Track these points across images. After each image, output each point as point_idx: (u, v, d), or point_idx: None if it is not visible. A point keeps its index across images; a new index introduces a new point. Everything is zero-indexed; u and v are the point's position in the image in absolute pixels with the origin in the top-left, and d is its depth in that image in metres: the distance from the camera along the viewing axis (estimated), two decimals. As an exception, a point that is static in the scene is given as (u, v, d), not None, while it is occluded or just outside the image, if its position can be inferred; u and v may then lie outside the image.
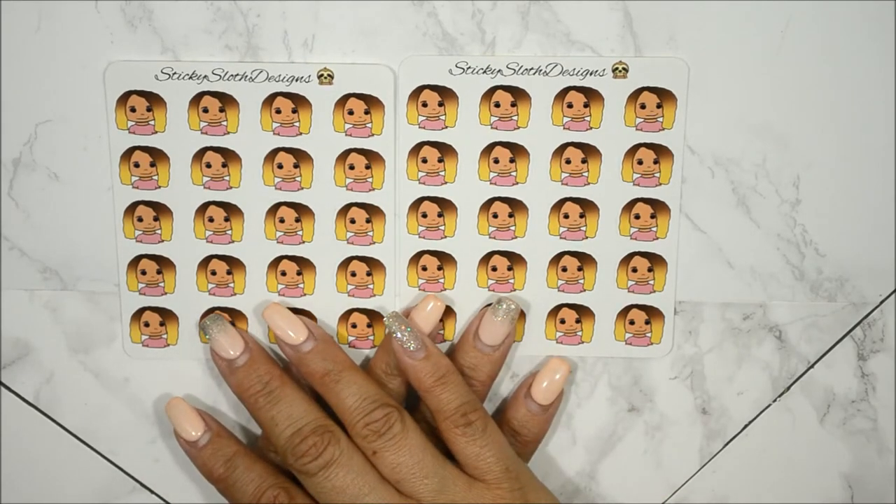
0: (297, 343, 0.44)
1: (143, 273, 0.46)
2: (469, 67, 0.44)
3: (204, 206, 0.46)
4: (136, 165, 0.45)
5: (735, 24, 0.44)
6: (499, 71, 0.44)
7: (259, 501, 0.43)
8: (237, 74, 0.44)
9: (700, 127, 0.45)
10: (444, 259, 0.46)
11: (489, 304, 0.46)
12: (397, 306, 0.47)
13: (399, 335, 0.43)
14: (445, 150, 0.45)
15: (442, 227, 0.46)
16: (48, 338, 0.47)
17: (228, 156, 0.45)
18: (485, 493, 0.43)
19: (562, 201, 0.46)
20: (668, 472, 0.49)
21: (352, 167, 0.45)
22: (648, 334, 0.47)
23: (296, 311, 0.47)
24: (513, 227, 0.46)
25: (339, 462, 0.42)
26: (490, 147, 0.45)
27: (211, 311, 0.47)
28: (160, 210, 0.46)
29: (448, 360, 0.44)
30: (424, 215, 0.46)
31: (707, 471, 0.49)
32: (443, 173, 0.45)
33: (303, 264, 0.46)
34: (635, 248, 0.46)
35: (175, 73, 0.44)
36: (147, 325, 0.47)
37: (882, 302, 0.47)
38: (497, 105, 0.44)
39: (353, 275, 0.46)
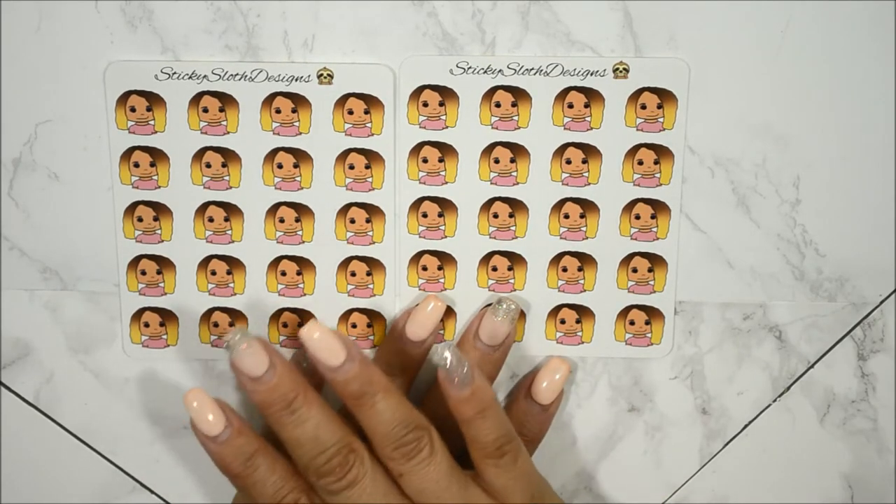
0: (335, 366, 0.42)
1: (143, 273, 0.46)
2: (469, 67, 0.44)
3: (204, 206, 0.46)
4: (136, 165, 0.45)
5: (735, 24, 0.44)
6: (499, 71, 0.44)
7: None
8: (237, 74, 0.44)
9: (700, 127, 0.45)
10: (445, 259, 0.46)
11: (489, 304, 0.46)
12: (397, 306, 0.47)
13: (450, 367, 0.42)
14: (446, 150, 0.45)
15: (442, 227, 0.46)
16: (48, 338, 0.47)
17: (228, 156, 0.45)
18: None
19: (562, 201, 0.46)
20: (668, 472, 0.49)
21: (352, 167, 0.45)
22: (648, 334, 0.47)
23: (295, 311, 0.47)
24: (513, 228, 0.46)
25: (363, 483, 0.41)
26: (491, 147, 0.45)
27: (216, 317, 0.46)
28: (160, 210, 0.46)
29: (492, 393, 0.43)
30: (425, 215, 0.46)
31: (707, 471, 0.49)
32: (443, 173, 0.45)
33: (303, 264, 0.46)
34: (635, 248, 0.46)
35: (175, 73, 0.44)
36: (147, 325, 0.47)
37: (882, 302, 0.47)
38: (498, 105, 0.44)
39: (353, 275, 0.46)
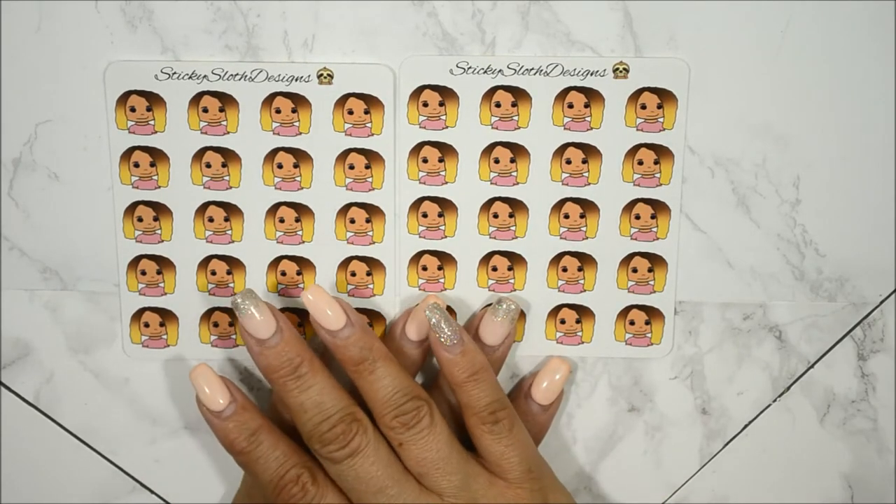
0: (336, 329, 0.43)
1: (143, 273, 0.46)
2: (470, 67, 0.44)
3: (204, 206, 0.46)
4: (136, 165, 0.45)
5: (735, 24, 0.44)
6: (499, 71, 0.44)
7: (282, 480, 0.43)
8: (237, 74, 0.44)
9: (700, 127, 0.45)
10: (445, 259, 0.46)
11: (489, 304, 0.46)
12: (397, 306, 0.47)
13: (438, 328, 0.43)
14: (446, 149, 0.45)
15: (442, 227, 0.46)
16: (48, 338, 0.47)
17: (228, 156, 0.45)
18: (505, 491, 0.43)
19: (562, 201, 0.46)
20: (668, 472, 0.49)
21: (352, 167, 0.45)
22: (648, 334, 0.47)
23: (295, 311, 0.47)
24: (513, 228, 0.46)
25: (366, 452, 0.42)
26: (491, 147, 0.45)
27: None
28: (160, 210, 0.46)
29: (483, 357, 0.44)
30: (425, 215, 0.46)
31: (707, 471, 0.49)
32: (443, 173, 0.45)
33: (303, 264, 0.46)
34: (635, 248, 0.46)
35: (175, 73, 0.44)
36: (147, 325, 0.47)
37: (882, 302, 0.47)
38: (498, 105, 0.44)
39: (353, 275, 0.46)
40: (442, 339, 0.43)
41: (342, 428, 0.42)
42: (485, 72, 0.44)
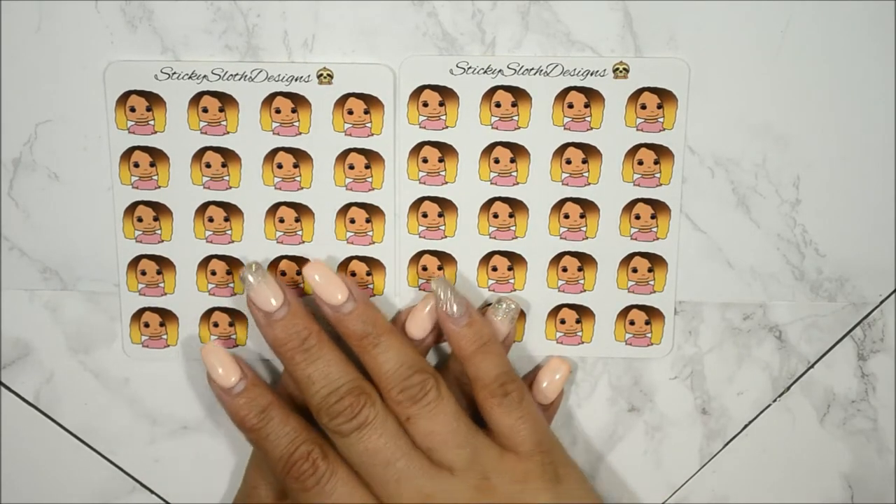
0: (338, 304, 0.43)
1: (143, 273, 0.46)
2: (469, 67, 0.44)
3: (204, 206, 0.46)
4: (136, 165, 0.45)
5: (735, 24, 0.44)
6: (499, 71, 0.44)
7: (292, 457, 0.43)
8: (237, 74, 0.44)
9: (700, 127, 0.45)
10: (445, 259, 0.46)
11: (489, 304, 0.46)
12: (397, 306, 0.47)
13: (445, 300, 0.43)
14: (446, 150, 0.45)
15: (442, 227, 0.46)
16: (48, 338, 0.47)
17: (228, 156, 0.45)
18: (516, 464, 0.43)
19: (562, 201, 0.46)
20: (668, 472, 0.49)
21: (351, 167, 0.45)
22: (648, 334, 0.47)
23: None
24: (513, 228, 0.46)
25: (374, 424, 0.42)
26: (490, 147, 0.45)
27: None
28: (160, 210, 0.46)
29: (491, 329, 0.44)
30: (425, 215, 0.46)
31: (707, 471, 0.49)
32: (443, 173, 0.45)
33: (303, 264, 0.46)
34: (635, 248, 0.46)
35: (175, 73, 0.44)
36: (147, 325, 0.47)
37: (882, 302, 0.47)
38: (498, 105, 0.44)
39: (354, 275, 0.46)
40: (448, 312, 0.43)
41: (350, 400, 0.42)
42: (485, 72, 0.44)
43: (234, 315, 0.47)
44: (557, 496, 0.43)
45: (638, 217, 0.46)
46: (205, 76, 0.44)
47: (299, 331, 0.43)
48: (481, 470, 0.42)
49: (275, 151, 0.45)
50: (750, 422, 0.49)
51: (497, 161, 0.45)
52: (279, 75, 0.44)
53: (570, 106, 0.44)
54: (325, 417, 0.42)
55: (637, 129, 0.45)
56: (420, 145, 0.45)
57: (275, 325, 0.43)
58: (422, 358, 0.44)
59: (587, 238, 0.46)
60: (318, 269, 0.43)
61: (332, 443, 0.43)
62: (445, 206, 0.46)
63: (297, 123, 0.45)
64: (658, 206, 0.46)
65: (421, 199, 0.46)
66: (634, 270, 0.46)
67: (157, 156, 0.45)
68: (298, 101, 0.44)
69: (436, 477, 0.42)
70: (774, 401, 0.49)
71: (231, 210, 0.46)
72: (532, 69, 0.44)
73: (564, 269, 0.46)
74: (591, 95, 0.44)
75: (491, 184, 0.45)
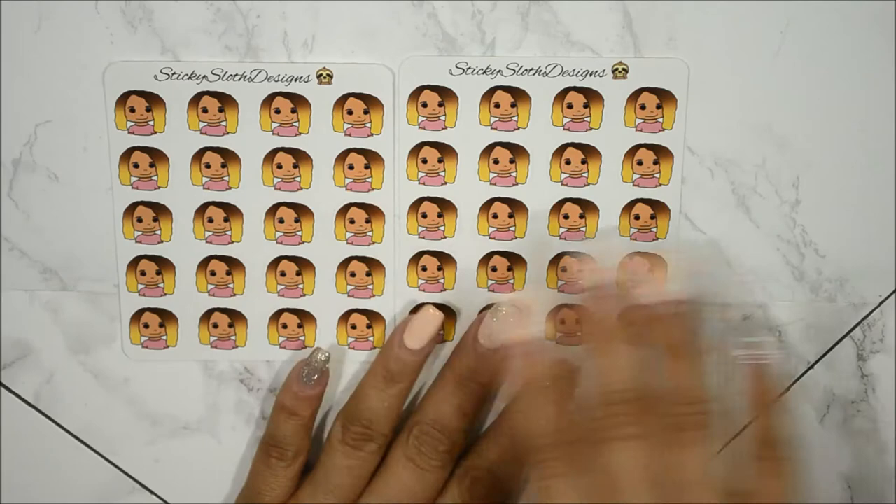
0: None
1: (143, 274, 0.46)
2: (469, 68, 0.44)
3: (203, 207, 0.46)
4: (136, 166, 0.45)
5: (735, 24, 0.44)
6: (499, 71, 0.44)
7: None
8: (236, 74, 0.44)
9: (700, 127, 0.45)
10: (444, 259, 0.46)
11: (489, 306, 0.46)
12: (397, 307, 0.47)
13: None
14: (445, 150, 0.45)
15: (442, 228, 0.46)
16: (48, 338, 0.47)
17: (228, 156, 0.45)
18: None
19: (562, 202, 0.46)
20: (668, 472, 0.49)
21: (351, 167, 0.45)
22: (648, 335, 0.47)
23: (295, 312, 0.47)
24: (513, 228, 0.46)
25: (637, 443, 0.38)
26: (490, 147, 0.45)
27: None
28: (160, 211, 0.46)
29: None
30: (424, 215, 0.46)
31: (707, 471, 0.49)
32: (443, 174, 0.45)
33: (303, 264, 0.46)
34: (635, 248, 0.46)
35: (174, 74, 0.44)
36: (147, 326, 0.47)
37: (882, 302, 0.47)
38: (497, 105, 0.44)
39: (353, 275, 0.46)
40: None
41: (628, 407, 0.39)
42: (484, 72, 0.44)
43: (234, 315, 0.47)
44: None
45: (637, 217, 0.46)
46: (204, 76, 0.44)
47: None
48: None
49: (274, 152, 0.45)
50: (750, 422, 0.49)
51: (496, 161, 0.45)
52: (279, 75, 0.44)
53: (570, 106, 0.44)
54: (600, 406, 0.39)
55: (636, 130, 0.45)
56: (419, 146, 0.45)
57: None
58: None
59: (587, 238, 0.46)
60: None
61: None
62: (445, 206, 0.46)
63: (296, 124, 0.45)
64: (657, 207, 0.46)
65: (420, 200, 0.46)
66: (634, 271, 0.46)
67: (156, 156, 0.45)
68: (298, 101, 0.44)
69: None
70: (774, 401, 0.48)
71: (231, 210, 0.46)
72: (531, 69, 0.44)
73: (564, 270, 0.46)
74: (591, 96, 0.44)
75: (490, 184, 0.45)
